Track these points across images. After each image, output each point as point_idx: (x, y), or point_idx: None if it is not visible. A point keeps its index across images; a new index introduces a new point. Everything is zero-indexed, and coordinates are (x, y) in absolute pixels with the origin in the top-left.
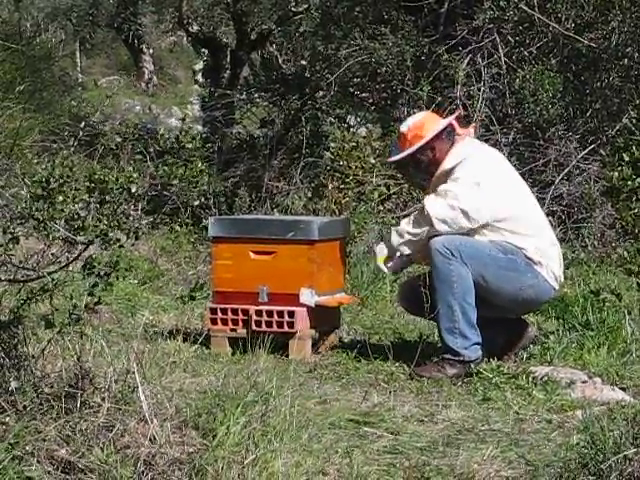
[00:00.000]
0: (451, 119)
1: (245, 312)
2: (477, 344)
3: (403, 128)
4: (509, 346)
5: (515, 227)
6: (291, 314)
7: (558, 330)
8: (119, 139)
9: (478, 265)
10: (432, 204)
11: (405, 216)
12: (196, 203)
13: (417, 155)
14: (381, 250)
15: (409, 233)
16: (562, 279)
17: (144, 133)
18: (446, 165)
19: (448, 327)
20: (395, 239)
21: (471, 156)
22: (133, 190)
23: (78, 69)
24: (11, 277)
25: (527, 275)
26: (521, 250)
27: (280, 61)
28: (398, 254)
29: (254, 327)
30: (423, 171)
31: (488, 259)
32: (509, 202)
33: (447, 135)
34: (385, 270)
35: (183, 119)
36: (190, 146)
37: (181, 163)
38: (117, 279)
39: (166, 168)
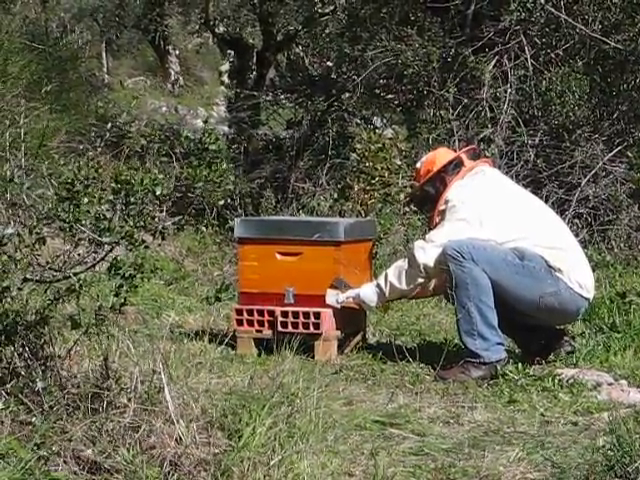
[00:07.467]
0: (460, 153)
1: (271, 313)
2: (499, 344)
3: (418, 164)
4: (541, 354)
5: (526, 243)
6: (317, 315)
7: (584, 332)
8: (144, 141)
9: (492, 269)
10: (422, 253)
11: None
12: (221, 203)
13: (426, 188)
14: (370, 301)
15: (400, 290)
16: (592, 287)
17: (170, 134)
18: (446, 196)
19: (467, 330)
20: (388, 293)
21: (467, 190)
22: (157, 192)
23: (104, 70)
24: (38, 277)
25: (547, 282)
26: (540, 257)
27: (306, 62)
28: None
29: (280, 328)
30: (433, 205)
31: (502, 264)
32: (510, 226)
33: (454, 167)
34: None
35: (205, 121)
36: (214, 147)
37: (205, 164)
38: (142, 280)
39: (190, 170)
